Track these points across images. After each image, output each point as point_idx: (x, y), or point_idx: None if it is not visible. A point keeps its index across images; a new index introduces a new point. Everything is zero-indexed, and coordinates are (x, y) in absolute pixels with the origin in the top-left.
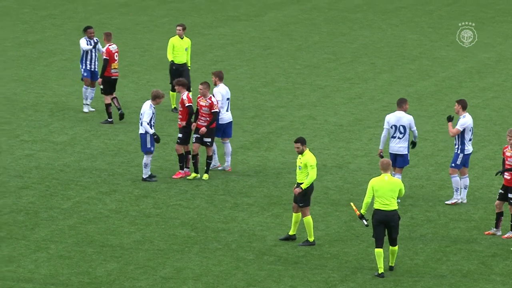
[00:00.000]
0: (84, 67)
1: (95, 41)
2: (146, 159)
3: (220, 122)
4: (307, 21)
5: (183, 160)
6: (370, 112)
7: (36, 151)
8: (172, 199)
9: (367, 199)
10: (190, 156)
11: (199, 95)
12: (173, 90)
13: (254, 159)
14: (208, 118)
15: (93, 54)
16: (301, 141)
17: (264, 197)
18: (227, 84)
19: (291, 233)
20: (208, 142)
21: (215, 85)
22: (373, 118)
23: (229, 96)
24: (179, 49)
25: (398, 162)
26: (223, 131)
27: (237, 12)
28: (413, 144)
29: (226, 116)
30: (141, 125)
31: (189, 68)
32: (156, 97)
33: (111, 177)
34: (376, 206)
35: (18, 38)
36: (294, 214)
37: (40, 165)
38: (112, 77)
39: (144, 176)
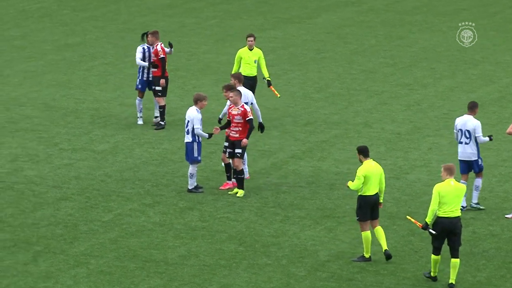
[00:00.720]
0: (140, 77)
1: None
2: (192, 169)
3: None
4: (363, 24)
5: (230, 170)
6: (429, 119)
7: (75, 160)
8: (219, 212)
9: (433, 206)
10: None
11: (230, 104)
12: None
13: (306, 169)
14: (240, 128)
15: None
16: (357, 150)
17: (317, 210)
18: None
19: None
20: (239, 153)
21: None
22: (432, 126)
23: (247, 100)
24: (247, 61)
25: (469, 168)
26: None
27: (288, 14)
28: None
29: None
30: (187, 133)
31: (269, 79)
32: (198, 100)
33: (155, 188)
34: (439, 213)
35: (58, 40)
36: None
37: (80, 175)
38: (168, 78)
39: (190, 187)
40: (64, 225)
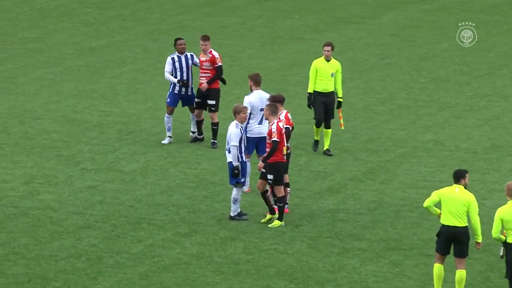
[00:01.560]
0: (171, 89)
1: (189, 56)
2: (235, 193)
3: (249, 135)
4: (433, 24)
5: (269, 201)
6: (511, 136)
7: (100, 182)
8: (266, 243)
9: (495, 235)
10: (288, 189)
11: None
12: (318, 125)
13: (367, 194)
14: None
15: (186, 72)
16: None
17: (380, 241)
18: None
19: None
20: (271, 179)
21: (251, 90)
22: None
23: (264, 106)
24: (323, 74)
25: None
26: (256, 147)
27: (347, 13)
28: None
29: (256, 129)
30: (229, 152)
31: (341, 100)
32: (236, 113)
33: (192, 215)
34: (509, 240)
35: (80, 43)
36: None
37: (105, 199)
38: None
39: (232, 214)
40: (87, 258)
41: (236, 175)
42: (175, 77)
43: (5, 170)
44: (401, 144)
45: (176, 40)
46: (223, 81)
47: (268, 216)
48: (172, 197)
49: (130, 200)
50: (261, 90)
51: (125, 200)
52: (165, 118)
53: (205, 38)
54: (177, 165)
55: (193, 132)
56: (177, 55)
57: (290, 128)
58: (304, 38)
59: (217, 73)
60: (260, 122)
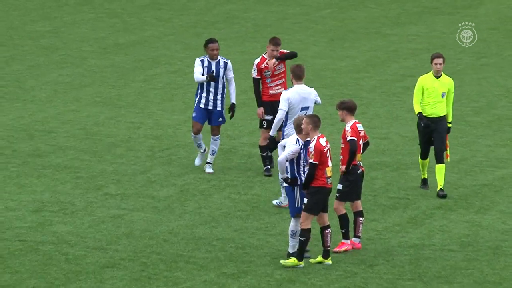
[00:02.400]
0: (197, 102)
1: (221, 64)
2: (294, 224)
3: (282, 139)
4: None
5: (347, 224)
6: None
7: (127, 211)
8: (332, 286)
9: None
10: (361, 219)
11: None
12: (424, 156)
13: (459, 226)
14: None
15: (215, 83)
16: None
17: (474, 284)
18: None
19: None
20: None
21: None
22: None
23: (309, 105)
24: (432, 95)
25: None
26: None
27: (436, 1)
28: None
29: (292, 131)
30: (286, 173)
31: (450, 125)
32: (298, 127)
33: (240, 251)
34: None
35: (104, 39)
36: None
37: (133, 232)
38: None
39: (291, 250)
40: None
41: (291, 182)
42: (201, 89)
43: (11, 195)
44: (501, 164)
45: (207, 42)
46: None
47: (319, 258)
48: (217, 229)
49: (165, 233)
50: (303, 85)
51: (158, 233)
52: (192, 137)
53: (277, 42)
54: (223, 189)
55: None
56: (208, 60)
57: (361, 142)
58: (382, 32)
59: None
60: None
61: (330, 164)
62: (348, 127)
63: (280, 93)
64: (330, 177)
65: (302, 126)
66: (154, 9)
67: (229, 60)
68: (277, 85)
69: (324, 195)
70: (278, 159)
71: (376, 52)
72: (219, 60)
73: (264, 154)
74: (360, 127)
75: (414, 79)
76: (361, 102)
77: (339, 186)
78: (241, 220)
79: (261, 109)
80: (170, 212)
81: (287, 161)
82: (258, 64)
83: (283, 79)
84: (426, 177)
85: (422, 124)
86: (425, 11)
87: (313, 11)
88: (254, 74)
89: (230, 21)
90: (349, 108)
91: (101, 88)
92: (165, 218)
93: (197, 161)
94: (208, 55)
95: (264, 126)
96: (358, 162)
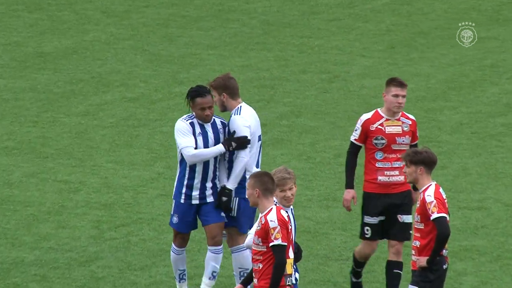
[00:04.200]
0: (176, 192)
1: (220, 127)
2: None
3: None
4: None
5: None
6: None
7: None
8: None
9: None
10: None
11: None
12: None
13: None
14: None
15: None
16: None
17: None
18: None
19: None
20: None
21: (224, 108)
22: None
23: (260, 134)
24: None
25: None
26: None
27: None
28: None
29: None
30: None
31: None
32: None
33: None
34: None
35: (19, 46)
36: None
37: None
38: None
39: None
40: None
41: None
42: (190, 173)
43: None
44: None
45: (194, 95)
46: None
47: None
48: None
49: None
50: (245, 105)
51: None
52: (172, 255)
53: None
54: None
55: None
56: (197, 122)
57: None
58: (473, 33)
59: None
60: (258, 164)
61: (291, 254)
62: (430, 196)
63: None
64: (290, 275)
65: (247, 191)
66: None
67: (223, 120)
68: (392, 168)
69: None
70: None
71: (463, 66)
72: (214, 121)
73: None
74: (443, 193)
75: None
76: (439, 149)
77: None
78: None
79: (351, 193)
80: None
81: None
82: (367, 123)
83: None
84: None
85: None
86: None
87: (359, 1)
88: (355, 135)
89: (223, 17)
90: (428, 162)
91: (15, 126)
92: None
93: None
94: (196, 116)
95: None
96: (444, 251)
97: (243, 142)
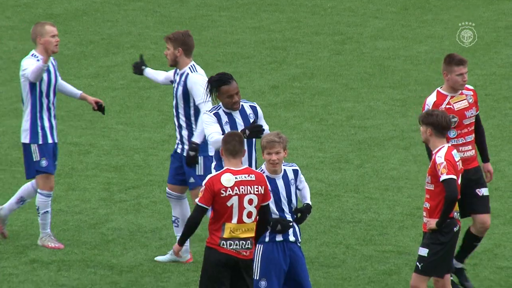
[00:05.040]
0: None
1: (249, 112)
2: None
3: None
4: None
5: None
6: None
7: None
8: None
9: None
10: None
11: None
12: None
13: None
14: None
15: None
16: None
17: None
18: None
19: None
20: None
21: (175, 63)
22: None
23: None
24: None
25: None
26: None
27: None
28: None
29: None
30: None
31: None
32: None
33: None
34: None
35: (29, 7)
36: None
37: None
38: None
39: None
40: None
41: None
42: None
43: None
44: None
45: (218, 83)
46: None
47: None
48: None
49: None
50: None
51: None
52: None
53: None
54: None
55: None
56: (223, 110)
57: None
58: None
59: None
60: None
61: (235, 219)
62: (440, 157)
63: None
64: (228, 239)
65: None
66: None
67: (256, 104)
68: (466, 143)
69: (215, 265)
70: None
71: (477, 28)
72: (242, 107)
73: None
74: (456, 155)
75: None
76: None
77: (423, 252)
78: None
79: None
80: None
81: None
82: (435, 105)
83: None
84: None
85: None
86: None
87: None
88: None
89: None
90: (436, 124)
91: None
92: None
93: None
94: (223, 105)
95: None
96: (455, 213)
97: (257, 131)
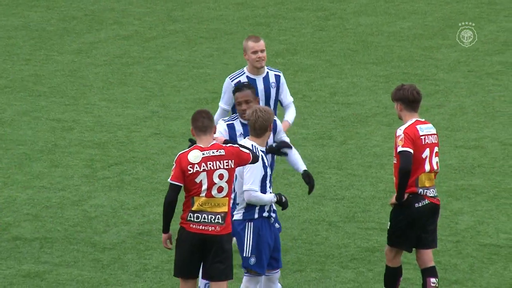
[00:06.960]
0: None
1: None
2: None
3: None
4: None
5: (394, 282)
6: None
7: (51, 266)
8: None
9: None
10: (433, 281)
11: None
12: None
13: None
14: None
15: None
16: None
17: None
18: None
19: None
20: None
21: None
22: None
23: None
24: None
25: None
26: None
27: None
28: None
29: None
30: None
31: None
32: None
33: None
34: None
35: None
36: None
37: None
38: None
39: None
40: None
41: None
42: None
43: None
44: None
45: (235, 88)
46: None
47: None
48: None
49: None
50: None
51: None
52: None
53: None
54: None
55: None
56: (240, 121)
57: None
58: None
59: None
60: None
61: (203, 194)
62: (400, 129)
63: None
64: (195, 212)
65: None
66: None
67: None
68: None
69: (187, 245)
70: (244, 195)
71: (460, 4)
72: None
73: None
74: (426, 129)
75: None
76: (436, 88)
77: (388, 224)
78: None
79: None
80: (120, 268)
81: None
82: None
83: None
84: None
85: None
86: None
87: None
88: None
89: None
90: (403, 98)
91: (8, 64)
92: (112, 279)
93: None
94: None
95: None
96: (421, 190)
97: (280, 152)
